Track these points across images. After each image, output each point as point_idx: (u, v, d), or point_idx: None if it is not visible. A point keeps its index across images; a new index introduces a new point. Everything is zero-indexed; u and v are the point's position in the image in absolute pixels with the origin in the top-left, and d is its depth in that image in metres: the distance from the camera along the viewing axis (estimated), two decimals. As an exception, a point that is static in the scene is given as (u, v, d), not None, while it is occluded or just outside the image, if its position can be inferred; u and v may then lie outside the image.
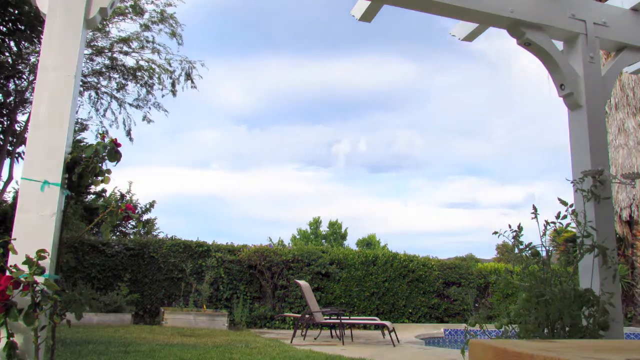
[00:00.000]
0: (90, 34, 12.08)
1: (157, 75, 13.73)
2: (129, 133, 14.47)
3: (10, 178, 12.38)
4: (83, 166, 2.75)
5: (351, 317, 10.64)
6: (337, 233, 33.44)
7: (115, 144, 2.84)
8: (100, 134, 2.92)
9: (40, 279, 2.46)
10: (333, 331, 9.59)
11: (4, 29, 10.62)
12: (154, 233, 17.63)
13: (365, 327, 11.78)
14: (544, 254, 3.37)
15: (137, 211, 17.71)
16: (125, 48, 13.16)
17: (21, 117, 12.41)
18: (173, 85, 13.88)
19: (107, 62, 13.41)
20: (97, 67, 13.49)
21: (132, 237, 14.75)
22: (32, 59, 11.31)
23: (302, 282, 9.09)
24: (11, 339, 2.38)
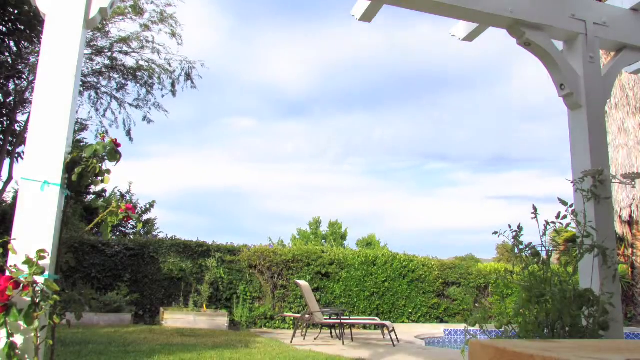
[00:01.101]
0: (90, 34, 12.08)
1: (157, 76, 13.74)
2: (128, 133, 14.49)
3: (10, 178, 12.38)
4: (83, 166, 2.75)
5: (351, 317, 10.64)
6: (337, 233, 33.43)
7: (115, 144, 2.84)
8: (100, 134, 2.92)
9: (40, 279, 2.46)
10: (333, 331, 9.59)
11: (4, 29, 10.62)
12: (154, 233, 17.63)
13: (365, 327, 11.78)
14: (544, 254, 3.37)
15: (137, 211, 17.71)
16: (125, 48, 13.16)
17: (21, 117, 12.42)
18: (173, 85, 13.89)
19: (107, 62, 13.42)
20: (97, 67, 13.50)
21: (132, 237, 14.75)
22: (32, 59, 11.31)
23: (302, 282, 9.09)
24: (11, 339, 2.38)
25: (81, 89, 13.06)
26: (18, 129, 12.32)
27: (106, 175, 2.84)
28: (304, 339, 8.72)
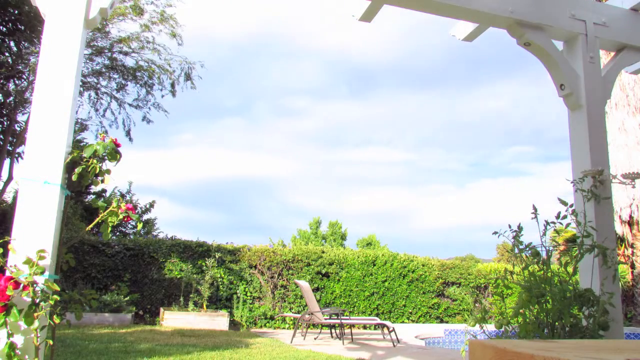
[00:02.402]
0: (90, 34, 12.08)
1: (156, 76, 13.73)
2: (128, 133, 14.48)
3: (10, 178, 12.38)
4: (83, 166, 2.75)
5: (351, 317, 10.64)
6: (337, 233, 33.44)
7: (115, 144, 2.84)
8: (100, 134, 2.92)
9: (40, 279, 2.46)
10: (333, 331, 9.59)
11: (4, 29, 10.62)
12: (154, 233, 17.64)
13: (365, 327, 11.78)
14: (544, 254, 3.37)
15: (137, 211, 17.72)
16: (125, 48, 13.16)
17: (21, 117, 12.42)
18: (173, 85, 13.88)
19: (106, 62, 13.42)
20: (97, 67, 13.49)
21: (132, 237, 14.76)
22: (32, 59, 11.30)
23: (302, 282, 9.09)
24: (11, 339, 2.38)
25: (81, 89, 13.06)
26: (18, 129, 12.32)
27: (106, 175, 2.84)
28: (304, 339, 8.72)
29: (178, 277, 10.98)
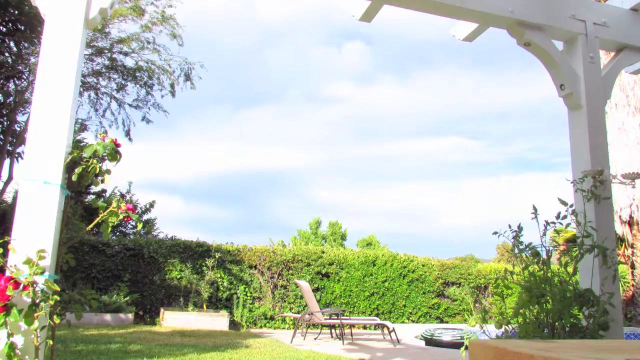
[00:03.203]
0: (90, 34, 12.08)
1: (156, 76, 13.74)
2: (128, 133, 14.49)
3: (10, 178, 12.38)
4: (83, 166, 2.75)
5: (351, 317, 10.64)
6: (337, 233, 33.45)
7: (115, 144, 2.84)
8: (101, 134, 2.92)
9: (40, 279, 2.46)
10: (333, 331, 9.59)
11: (4, 29, 10.63)
12: (154, 233, 17.64)
13: (365, 327, 11.78)
14: (544, 254, 3.37)
15: (137, 211, 17.72)
16: (125, 49, 13.16)
17: (21, 117, 12.43)
18: (172, 86, 13.89)
19: (106, 62, 13.42)
20: (97, 68, 13.50)
21: (132, 237, 14.76)
22: (32, 59, 11.30)
23: (302, 282, 9.09)
24: (11, 339, 2.38)
25: (81, 89, 13.06)
26: (18, 129, 12.32)
27: (106, 175, 2.84)
28: (304, 339, 8.72)
29: (178, 277, 10.98)
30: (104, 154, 2.78)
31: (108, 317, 9.44)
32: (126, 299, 10.07)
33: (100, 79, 13.77)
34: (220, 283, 11.31)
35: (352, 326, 9.79)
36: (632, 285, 13.05)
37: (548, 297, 3.11)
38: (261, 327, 11.27)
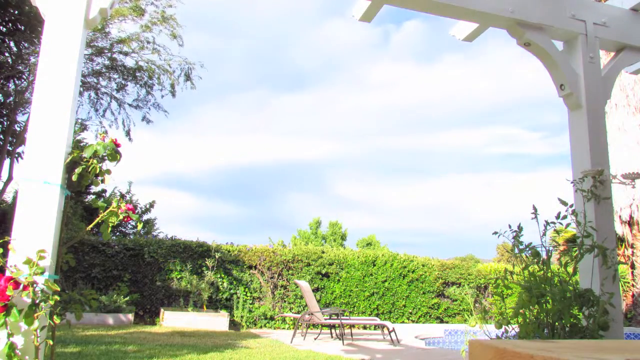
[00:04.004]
0: (91, 34, 12.08)
1: (156, 76, 13.74)
2: (128, 133, 14.49)
3: (10, 178, 12.38)
4: (83, 166, 2.75)
5: (351, 317, 10.64)
6: (337, 233, 33.44)
7: (115, 144, 2.84)
8: (101, 134, 2.92)
9: (40, 279, 2.46)
10: (333, 331, 9.59)
11: (4, 29, 10.63)
12: (154, 233, 17.64)
13: (365, 327, 11.78)
14: (544, 254, 3.37)
15: (137, 211, 17.72)
16: (125, 48, 13.16)
17: (21, 117, 12.42)
18: (172, 86, 13.89)
19: (106, 62, 13.42)
20: (97, 67, 13.50)
21: (132, 237, 14.76)
22: (32, 59, 11.30)
23: (302, 282, 9.09)
24: (11, 339, 2.38)
25: (81, 89, 13.07)
26: (18, 129, 12.32)
27: (106, 175, 2.84)
28: (304, 339, 8.72)
29: (178, 277, 10.98)
30: (104, 154, 2.79)
31: (108, 317, 9.44)
32: (126, 299, 10.07)
33: (100, 79, 13.77)
34: (220, 283, 11.31)
35: (352, 326, 9.79)
36: (632, 285, 13.05)
37: (548, 297, 3.11)
38: (261, 327, 11.27)
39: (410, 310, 12.75)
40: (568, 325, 3.12)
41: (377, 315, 12.32)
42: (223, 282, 11.35)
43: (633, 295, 12.98)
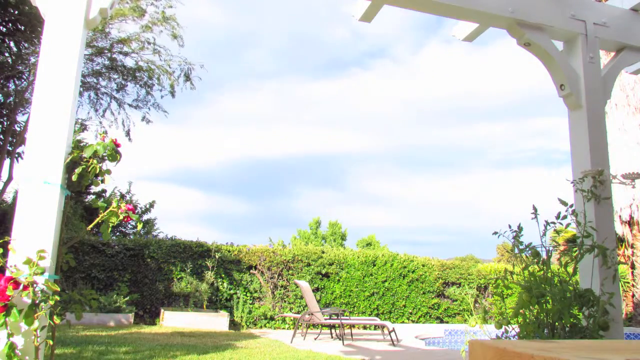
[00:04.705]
0: (91, 34, 12.08)
1: (156, 76, 13.74)
2: (128, 133, 14.49)
3: (10, 178, 12.37)
4: (83, 166, 2.75)
5: (351, 318, 10.64)
6: (336, 233, 33.44)
7: (115, 144, 2.84)
8: (101, 134, 2.92)
9: (40, 279, 2.46)
10: (333, 331, 9.59)
11: (4, 29, 10.63)
12: (154, 233, 17.64)
13: (365, 327, 11.78)
14: (544, 254, 3.37)
15: (137, 211, 17.73)
16: (125, 49, 13.16)
17: (21, 117, 12.43)
18: (172, 86, 13.89)
19: (106, 62, 13.42)
20: (97, 68, 13.50)
21: (132, 237, 14.75)
22: (32, 59, 11.31)
23: (302, 283, 9.09)
24: (11, 339, 2.38)
25: (81, 89, 13.07)
26: (18, 129, 12.32)
27: (106, 175, 2.84)
28: (304, 339, 8.72)
29: (178, 277, 10.98)
30: (104, 154, 2.79)
31: (108, 317, 9.44)
32: (126, 299, 10.07)
33: (100, 79, 13.77)
34: (220, 283, 11.31)
35: (352, 326, 9.78)
36: (632, 285, 13.05)
37: (548, 297, 3.11)
38: (261, 327, 11.27)
39: (410, 311, 12.75)
40: (568, 325, 3.12)
41: (377, 315, 12.31)
42: (223, 283, 11.35)
43: (633, 296, 12.98)
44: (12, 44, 10.96)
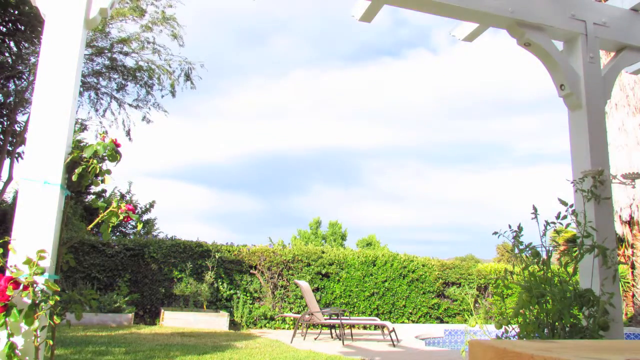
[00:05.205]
0: (91, 34, 12.08)
1: (156, 76, 13.74)
2: (128, 133, 14.49)
3: (10, 178, 12.38)
4: (83, 166, 2.75)
5: (351, 318, 10.64)
6: (337, 233, 33.45)
7: (115, 144, 2.84)
8: (101, 134, 2.92)
9: (40, 279, 2.46)
10: (333, 331, 9.59)
11: (4, 29, 10.63)
12: (154, 233, 17.64)
13: (365, 327, 11.78)
14: (544, 254, 3.36)
15: (137, 211, 17.73)
16: (125, 49, 13.16)
17: (21, 117, 12.43)
18: (172, 86, 13.89)
19: (107, 62, 13.42)
20: (97, 68, 13.50)
21: (132, 237, 14.75)
22: (32, 59, 11.31)
23: (302, 283, 9.09)
24: (11, 339, 2.38)
25: (81, 89, 13.07)
26: (18, 129, 12.32)
27: (106, 175, 2.84)
28: (304, 339, 8.72)
29: (178, 277, 10.98)
30: (104, 154, 2.79)
31: (108, 317, 9.44)
32: (126, 299, 10.07)
33: (100, 79, 13.77)
34: (220, 283, 11.31)
35: (352, 326, 9.78)
36: (632, 285, 13.05)
37: (548, 297, 3.11)
38: (261, 327, 11.27)
39: (410, 311, 12.75)
40: (568, 325, 3.12)
41: (377, 315, 12.31)
42: (223, 283, 11.35)
43: (633, 296, 12.98)
44: (12, 44, 10.96)
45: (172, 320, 9.70)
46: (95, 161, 2.77)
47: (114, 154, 2.83)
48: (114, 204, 2.87)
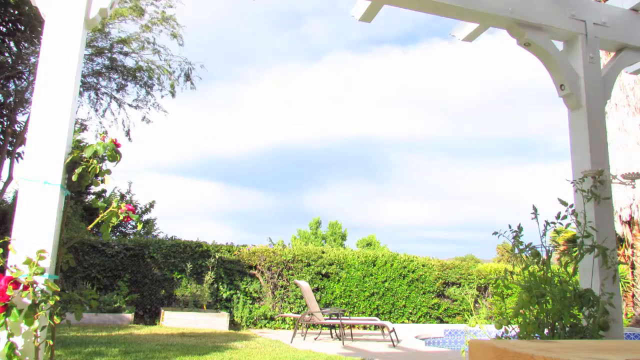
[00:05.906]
0: (91, 34, 12.08)
1: (156, 76, 13.74)
2: (128, 133, 14.48)
3: (10, 178, 12.37)
4: (83, 166, 2.75)
5: (351, 318, 10.63)
6: (337, 233, 33.46)
7: (115, 144, 2.84)
8: (101, 134, 2.92)
9: (40, 279, 2.46)
10: (333, 331, 9.59)
11: (4, 29, 10.63)
12: (154, 233, 17.64)
13: (365, 327, 11.78)
14: (544, 254, 3.37)
15: (137, 211, 17.73)
16: (125, 49, 13.16)
17: (21, 117, 12.42)
18: (172, 86, 13.89)
19: (106, 62, 13.42)
20: (97, 68, 13.49)
21: (132, 237, 14.75)
22: (32, 59, 11.30)
23: (302, 283, 9.09)
24: (11, 339, 2.38)
25: (81, 89, 13.06)
26: (18, 129, 12.32)
27: (106, 175, 2.84)
28: (304, 339, 8.72)
29: (178, 277, 10.98)
30: (104, 154, 2.79)
31: (108, 317, 9.44)
32: (126, 299, 10.07)
33: (100, 79, 13.76)
34: (220, 283, 11.31)
35: (352, 326, 9.78)
36: (632, 285, 13.04)
37: (548, 297, 3.11)
38: (261, 327, 11.27)
39: (410, 311, 12.75)
40: (568, 325, 3.12)
41: (377, 315, 12.31)
42: (223, 283, 11.35)
43: (633, 296, 12.98)
44: (12, 44, 10.95)
45: (172, 321, 9.70)
46: (95, 161, 2.77)
47: (114, 154, 2.83)
48: (114, 204, 2.87)
